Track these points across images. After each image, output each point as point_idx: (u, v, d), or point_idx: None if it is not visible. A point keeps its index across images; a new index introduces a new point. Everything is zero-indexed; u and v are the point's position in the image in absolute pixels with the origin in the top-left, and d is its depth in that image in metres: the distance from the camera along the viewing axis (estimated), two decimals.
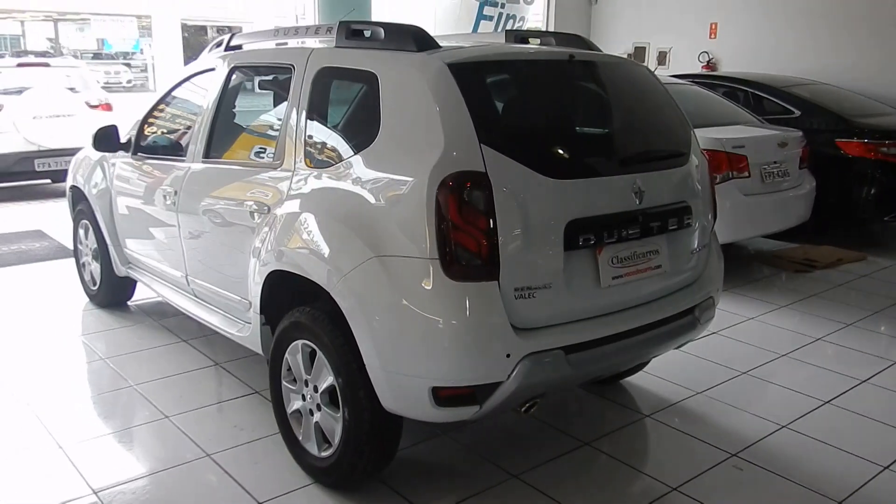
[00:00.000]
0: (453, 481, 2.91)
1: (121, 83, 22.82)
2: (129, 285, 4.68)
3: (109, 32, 22.85)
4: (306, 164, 2.86)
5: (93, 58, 22.70)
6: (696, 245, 3.01)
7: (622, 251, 2.68)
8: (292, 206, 2.84)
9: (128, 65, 23.99)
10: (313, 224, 2.72)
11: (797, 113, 6.82)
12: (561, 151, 2.67)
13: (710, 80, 7.36)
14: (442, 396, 2.40)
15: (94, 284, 4.78)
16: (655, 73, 3.39)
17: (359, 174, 2.61)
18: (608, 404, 3.57)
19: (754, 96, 7.06)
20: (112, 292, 4.69)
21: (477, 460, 3.06)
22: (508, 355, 2.38)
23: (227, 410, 3.46)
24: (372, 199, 2.52)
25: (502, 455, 3.08)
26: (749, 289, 5.42)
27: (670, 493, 2.86)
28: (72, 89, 8.77)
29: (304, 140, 2.90)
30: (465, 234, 2.35)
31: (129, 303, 4.87)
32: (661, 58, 10.52)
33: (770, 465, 3.06)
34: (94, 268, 4.72)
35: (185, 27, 20.90)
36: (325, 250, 2.64)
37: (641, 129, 3.08)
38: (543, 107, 2.81)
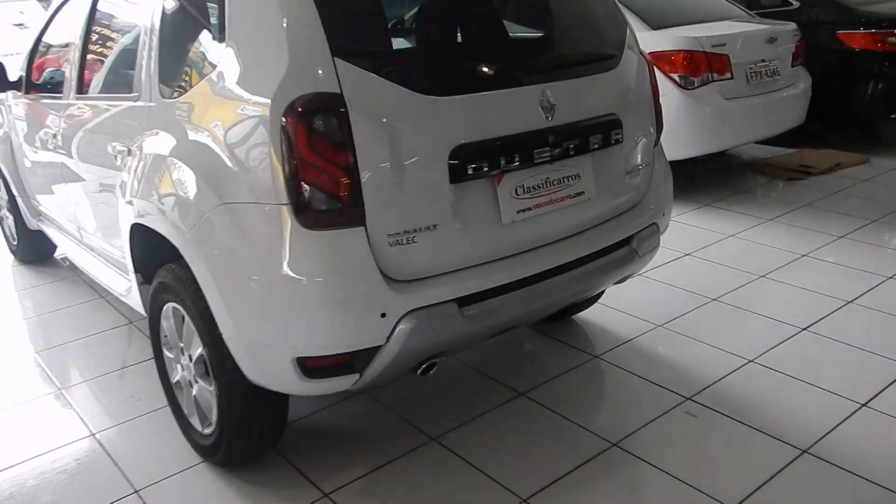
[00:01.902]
0: (365, 448, 2.57)
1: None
2: (48, 238, 4.33)
3: None
4: (160, 94, 2.42)
5: None
6: (632, 165, 2.55)
7: (529, 179, 2.23)
8: (147, 146, 2.42)
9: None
10: (161, 166, 2.30)
11: (796, 4, 6.17)
12: (440, 62, 2.19)
13: None
14: (309, 367, 2.02)
15: (14, 239, 4.43)
16: None
17: (205, 104, 2.18)
18: (555, 346, 3.19)
19: None
20: (32, 247, 4.35)
21: (394, 422, 2.71)
22: (384, 314, 1.99)
23: (130, 377, 3.14)
24: (219, 134, 2.09)
25: (424, 415, 2.74)
26: (733, 202, 4.95)
27: (609, 449, 2.51)
28: None
29: (157, 66, 2.46)
30: (319, 173, 1.92)
31: (58, 256, 4.53)
32: None
33: (728, 408, 2.68)
34: (11, 221, 4.36)
35: None
36: (171, 199, 2.23)
37: (552, 27, 2.58)
38: (416, 6, 2.31)
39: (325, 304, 1.96)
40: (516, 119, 2.18)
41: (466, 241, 2.13)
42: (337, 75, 1.92)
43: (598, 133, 2.37)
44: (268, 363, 2.07)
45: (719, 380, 2.87)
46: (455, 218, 2.09)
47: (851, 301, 3.46)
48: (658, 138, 2.72)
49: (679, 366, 2.99)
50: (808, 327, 3.23)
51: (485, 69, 2.22)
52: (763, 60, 5.04)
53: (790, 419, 2.60)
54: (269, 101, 1.92)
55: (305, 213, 1.93)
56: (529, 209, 2.23)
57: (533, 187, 2.24)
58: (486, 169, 2.11)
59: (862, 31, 5.91)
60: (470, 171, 2.08)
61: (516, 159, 2.16)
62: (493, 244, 2.19)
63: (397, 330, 2.01)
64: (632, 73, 2.57)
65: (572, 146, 2.29)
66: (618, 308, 3.45)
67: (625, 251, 2.54)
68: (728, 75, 4.82)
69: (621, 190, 2.53)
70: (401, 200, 2.00)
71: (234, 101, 2.05)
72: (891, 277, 3.69)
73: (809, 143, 6.04)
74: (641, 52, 2.70)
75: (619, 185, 2.52)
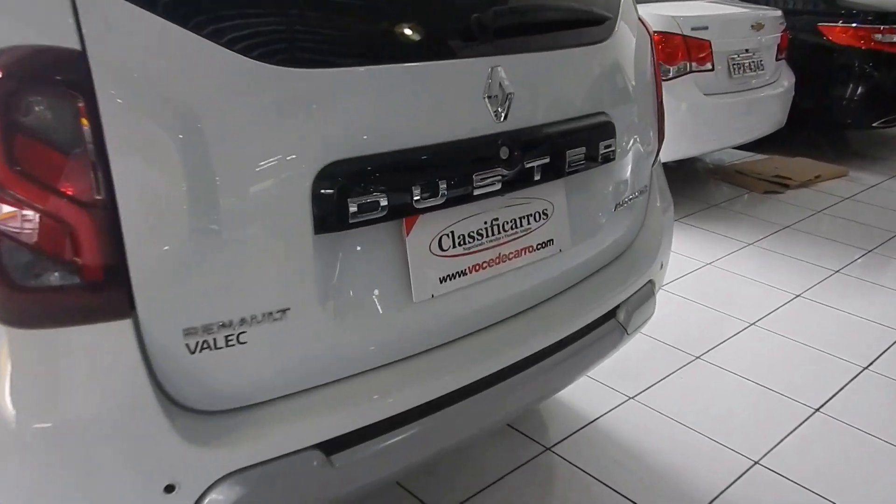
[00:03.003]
0: None
1: None
2: None
3: None
4: None
5: None
6: (624, 193, 1.64)
7: (464, 223, 1.29)
8: None
9: None
10: None
11: None
12: (299, 8, 1.17)
13: None
14: None
15: None
16: None
17: None
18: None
19: None
20: None
21: None
22: (171, 487, 1.01)
23: None
24: None
25: None
26: (706, 219, 4.12)
27: None
28: None
29: None
30: (31, 213, 0.92)
31: None
32: None
33: None
34: None
35: None
36: None
37: None
38: None
39: (46, 471, 0.97)
40: (443, 117, 1.23)
41: (346, 336, 1.17)
42: (76, 13, 0.92)
43: (581, 143, 1.44)
44: None
45: (725, 489, 2.02)
46: (323, 296, 1.13)
47: (866, 367, 2.66)
48: (659, 150, 1.81)
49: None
50: (820, 408, 2.41)
51: (388, 26, 1.21)
52: (747, 51, 4.22)
53: None
54: None
55: (12, 295, 0.94)
56: (462, 274, 1.29)
57: (470, 236, 1.30)
58: (384, 207, 1.15)
59: (843, 24, 5.17)
60: (353, 212, 1.12)
61: (441, 190, 1.20)
62: (394, 337, 1.24)
63: None
64: (629, 50, 1.65)
65: (538, 165, 1.35)
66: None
67: (607, 328, 1.62)
68: (709, 66, 3.97)
69: (607, 233, 1.61)
70: (210, 266, 1.03)
71: None
72: None
73: (777, 149, 5.30)
74: (641, 20, 1.77)
75: (605, 225, 1.60)
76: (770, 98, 4.40)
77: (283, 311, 1.10)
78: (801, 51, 5.07)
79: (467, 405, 1.33)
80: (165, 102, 0.97)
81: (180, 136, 0.98)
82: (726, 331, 2.88)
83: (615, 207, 1.61)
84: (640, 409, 2.36)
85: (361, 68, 1.13)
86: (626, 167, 1.62)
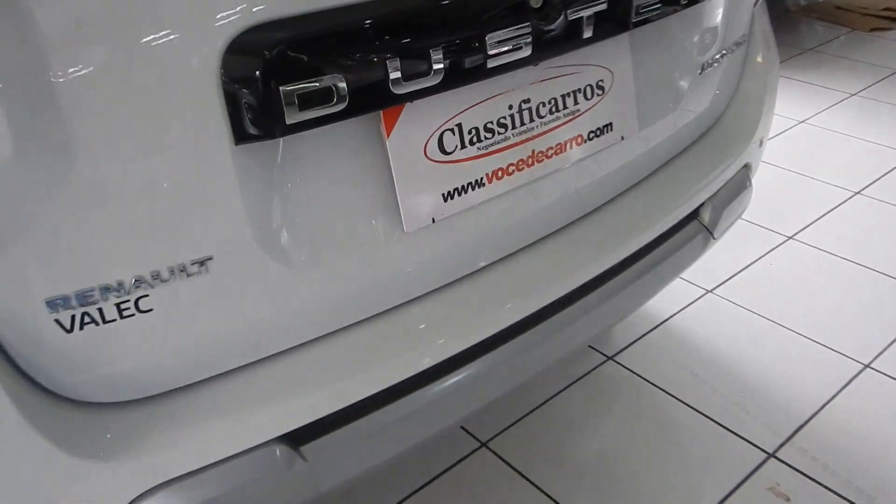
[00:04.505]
0: None
1: None
2: None
3: None
4: None
5: None
6: (713, 48, 1.17)
7: (478, 109, 0.87)
8: None
9: None
10: None
11: None
12: None
13: None
14: None
15: None
16: None
17: None
18: None
19: None
20: None
21: None
22: None
23: None
24: None
25: None
26: (797, 66, 3.51)
27: None
28: None
29: None
30: None
31: None
32: None
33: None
34: None
35: None
36: None
37: None
38: None
39: None
40: None
41: (303, 289, 0.81)
42: None
43: None
44: None
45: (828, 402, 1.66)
46: (263, 235, 0.76)
47: None
48: None
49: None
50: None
51: None
52: None
53: None
54: None
55: None
56: (478, 184, 0.89)
57: (487, 129, 0.89)
58: (343, 96, 0.74)
59: None
60: (292, 106, 0.72)
61: (435, 61, 0.78)
62: (380, 284, 0.88)
63: None
64: None
65: (590, 14, 0.90)
66: None
67: (688, 233, 1.21)
68: None
69: (690, 106, 1.16)
70: (73, 205, 0.66)
71: None
72: None
73: None
74: None
75: (687, 96, 1.15)
76: None
77: (202, 261, 0.73)
78: None
79: (499, 355, 0.97)
80: None
81: None
82: (825, 203, 2.41)
83: (701, 69, 1.15)
84: (719, 305, 1.97)
85: None
86: (717, 9, 1.14)
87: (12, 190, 0.64)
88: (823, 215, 2.35)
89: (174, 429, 0.78)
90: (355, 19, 0.73)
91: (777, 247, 2.22)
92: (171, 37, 0.66)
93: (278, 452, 0.83)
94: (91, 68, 0.64)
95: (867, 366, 1.76)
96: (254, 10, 0.69)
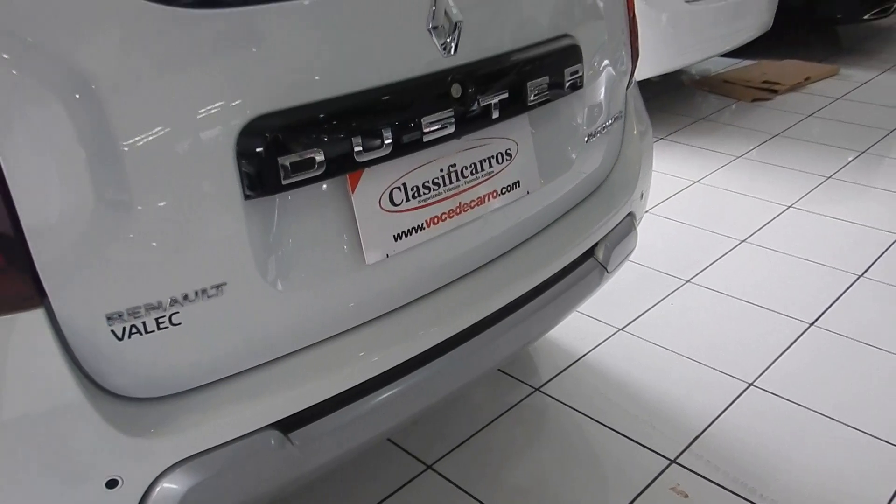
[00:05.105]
0: None
1: None
2: None
3: None
4: None
5: None
6: (596, 122, 1.51)
7: (416, 172, 1.17)
8: None
9: None
10: None
11: None
12: None
13: None
14: None
15: None
16: None
17: None
18: None
19: None
20: None
21: None
22: (114, 482, 0.94)
23: None
24: None
25: None
26: (691, 133, 3.98)
27: None
28: None
29: None
30: None
31: None
32: None
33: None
34: None
35: None
36: None
37: None
38: None
39: None
40: (382, 56, 1.09)
41: (294, 308, 1.07)
42: None
43: (543, 72, 1.30)
44: None
45: (719, 415, 1.96)
46: (264, 266, 1.02)
47: (862, 275, 2.59)
48: (633, 72, 1.67)
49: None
50: (815, 322, 2.34)
51: None
52: None
53: None
54: None
55: None
56: (419, 229, 1.18)
57: (425, 187, 1.18)
58: (321, 164, 1.03)
59: None
60: (287, 172, 1.00)
61: (386, 138, 1.08)
62: (349, 304, 1.14)
63: (152, 499, 0.97)
64: None
65: (497, 101, 1.22)
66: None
67: (586, 268, 1.52)
68: None
69: (580, 167, 1.49)
70: (126, 244, 0.92)
71: None
72: None
73: (764, 53, 5.10)
74: None
75: (577, 159, 1.47)
76: None
77: (219, 286, 0.99)
78: None
79: (439, 365, 1.24)
80: (53, 59, 0.84)
81: (76, 97, 0.85)
82: (716, 251, 2.79)
83: (587, 139, 1.49)
84: (629, 341, 2.29)
85: (282, 3, 0.99)
86: (597, 93, 1.48)
87: (86, 235, 0.89)
88: (715, 261, 2.72)
89: (193, 418, 1.01)
90: (329, 110, 1.03)
91: (677, 289, 2.56)
92: (206, 122, 0.93)
93: (272, 438, 1.07)
94: (149, 141, 0.90)
95: (751, 384, 2.08)
96: (259, 104, 0.97)
